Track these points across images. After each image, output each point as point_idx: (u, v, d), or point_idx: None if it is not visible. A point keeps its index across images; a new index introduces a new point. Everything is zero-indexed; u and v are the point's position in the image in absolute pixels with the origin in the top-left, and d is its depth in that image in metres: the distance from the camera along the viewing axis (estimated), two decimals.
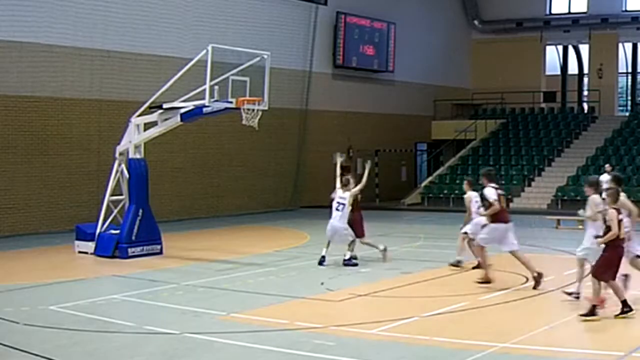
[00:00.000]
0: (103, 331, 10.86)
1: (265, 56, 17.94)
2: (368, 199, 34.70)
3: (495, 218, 13.58)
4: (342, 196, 16.14)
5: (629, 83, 41.97)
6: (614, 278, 11.02)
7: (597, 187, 11.98)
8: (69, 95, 24.04)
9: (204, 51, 17.19)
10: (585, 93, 42.01)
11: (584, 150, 33.85)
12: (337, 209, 16.09)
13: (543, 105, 39.19)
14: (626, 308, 10.92)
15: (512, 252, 13.69)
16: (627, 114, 38.16)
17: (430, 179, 34.62)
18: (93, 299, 13.10)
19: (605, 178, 22.85)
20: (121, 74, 24.99)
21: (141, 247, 18.10)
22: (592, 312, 10.89)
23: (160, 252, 18.44)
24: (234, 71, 17.63)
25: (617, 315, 10.91)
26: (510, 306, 11.37)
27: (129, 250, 17.88)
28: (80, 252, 18.59)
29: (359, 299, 12.98)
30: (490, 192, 13.64)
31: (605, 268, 10.95)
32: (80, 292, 13.76)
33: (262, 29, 29.34)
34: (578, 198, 29.31)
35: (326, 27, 32.97)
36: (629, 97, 42.02)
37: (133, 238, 17.96)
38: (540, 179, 32.56)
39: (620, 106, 41.13)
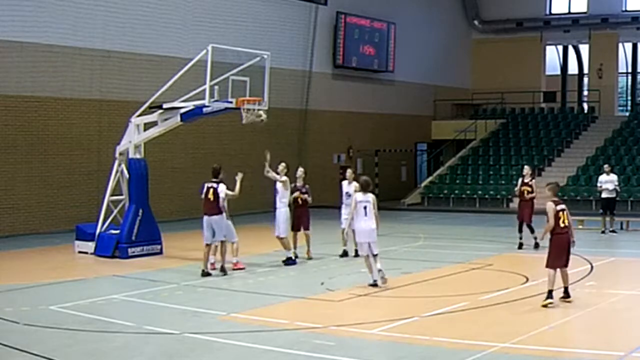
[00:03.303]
0: (103, 331, 10.86)
1: (265, 56, 17.97)
2: None
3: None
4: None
5: (629, 83, 41.96)
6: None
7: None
8: (69, 95, 24.05)
9: (204, 51, 17.21)
10: (585, 93, 41.98)
11: (584, 150, 33.85)
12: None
13: (543, 105, 39.17)
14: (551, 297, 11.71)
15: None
16: (627, 114, 38.12)
17: (430, 179, 34.61)
18: (93, 299, 13.10)
19: (604, 178, 22.94)
20: (121, 74, 24.99)
21: (141, 247, 18.12)
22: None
23: (160, 252, 18.46)
24: (234, 71, 17.66)
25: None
26: (510, 306, 11.37)
27: (129, 250, 17.89)
28: (80, 252, 18.61)
29: (359, 299, 12.98)
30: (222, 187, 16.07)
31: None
32: (80, 292, 13.76)
33: (262, 29, 29.34)
34: (578, 198, 29.39)
35: (326, 27, 32.96)
36: (629, 97, 42.01)
37: (133, 238, 17.98)
38: (540, 179, 32.44)
39: (620, 106, 41.12)
